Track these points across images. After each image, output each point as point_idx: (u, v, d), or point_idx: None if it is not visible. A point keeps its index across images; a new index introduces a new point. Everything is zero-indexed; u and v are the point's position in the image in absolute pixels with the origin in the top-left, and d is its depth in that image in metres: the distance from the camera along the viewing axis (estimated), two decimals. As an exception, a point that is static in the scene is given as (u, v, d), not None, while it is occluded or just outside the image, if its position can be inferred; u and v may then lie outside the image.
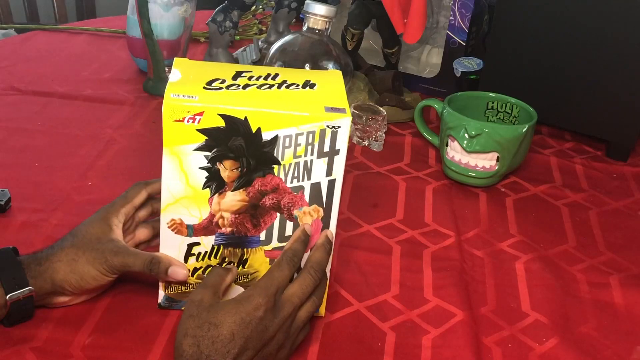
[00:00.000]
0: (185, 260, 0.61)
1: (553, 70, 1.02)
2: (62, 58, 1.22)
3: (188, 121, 0.54)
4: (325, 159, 0.57)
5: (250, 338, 0.53)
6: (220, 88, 0.57)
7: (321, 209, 0.59)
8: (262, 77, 0.60)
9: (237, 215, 0.59)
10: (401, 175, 0.92)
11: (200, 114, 0.54)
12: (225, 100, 0.55)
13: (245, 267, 0.61)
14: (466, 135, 0.87)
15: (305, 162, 0.57)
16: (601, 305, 0.71)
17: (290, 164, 0.57)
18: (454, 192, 0.89)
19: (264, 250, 0.61)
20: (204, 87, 0.57)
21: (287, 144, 0.56)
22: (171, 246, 0.60)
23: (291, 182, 0.58)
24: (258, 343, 0.53)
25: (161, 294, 0.63)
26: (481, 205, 0.87)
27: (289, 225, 0.60)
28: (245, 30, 1.44)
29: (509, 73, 1.05)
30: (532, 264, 0.76)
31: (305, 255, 0.59)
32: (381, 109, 0.99)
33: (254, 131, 0.55)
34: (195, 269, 0.61)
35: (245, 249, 0.61)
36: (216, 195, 0.58)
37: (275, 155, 0.57)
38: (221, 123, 0.55)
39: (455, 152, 0.89)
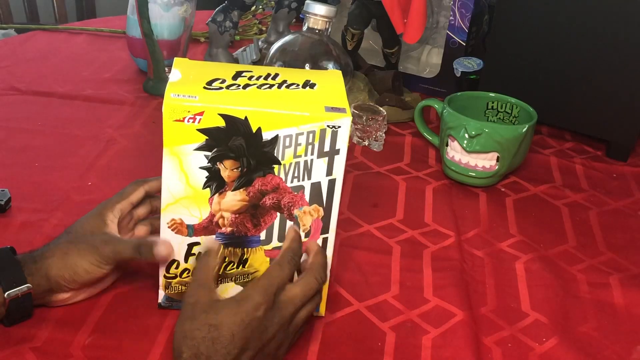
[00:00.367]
0: (186, 260, 0.61)
1: (553, 70, 1.02)
2: (62, 58, 1.22)
3: (188, 121, 0.54)
4: (326, 159, 0.57)
5: (250, 338, 0.52)
6: (221, 88, 0.57)
7: (321, 209, 0.59)
8: (263, 77, 0.60)
9: (237, 215, 0.59)
10: (401, 175, 0.92)
11: (201, 113, 0.54)
12: (226, 100, 0.55)
13: (246, 266, 0.61)
14: (466, 135, 0.87)
15: (306, 161, 0.57)
16: (601, 305, 0.71)
17: (291, 164, 0.57)
18: (454, 192, 0.89)
19: (264, 250, 0.61)
20: (204, 87, 0.57)
21: (287, 143, 0.56)
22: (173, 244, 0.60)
23: (291, 181, 0.58)
24: (258, 343, 0.53)
25: (161, 293, 0.63)
26: (481, 205, 0.87)
27: (289, 224, 0.60)
28: (245, 30, 1.44)
29: (509, 73, 1.05)
30: (532, 264, 0.76)
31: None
32: (381, 109, 0.99)
33: (254, 131, 0.55)
34: None
35: (245, 249, 0.61)
36: (216, 195, 0.58)
37: (275, 155, 0.57)
38: (221, 123, 0.55)
39: (455, 152, 0.89)
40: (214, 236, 0.60)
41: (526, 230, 0.82)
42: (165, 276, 0.62)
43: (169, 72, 1.09)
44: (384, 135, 0.99)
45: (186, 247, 0.60)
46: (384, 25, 1.11)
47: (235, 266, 0.61)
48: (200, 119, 0.55)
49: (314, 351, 0.61)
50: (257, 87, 0.58)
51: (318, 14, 0.92)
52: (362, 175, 0.91)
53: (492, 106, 0.98)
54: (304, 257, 0.60)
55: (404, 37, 1.06)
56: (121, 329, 0.61)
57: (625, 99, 0.98)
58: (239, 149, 0.56)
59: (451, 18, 1.12)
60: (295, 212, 0.59)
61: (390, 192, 0.88)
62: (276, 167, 0.57)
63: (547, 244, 0.80)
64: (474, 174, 0.89)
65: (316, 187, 0.58)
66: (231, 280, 0.62)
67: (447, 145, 0.91)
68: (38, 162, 0.87)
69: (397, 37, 1.12)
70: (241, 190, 0.58)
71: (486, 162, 0.88)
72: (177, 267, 0.61)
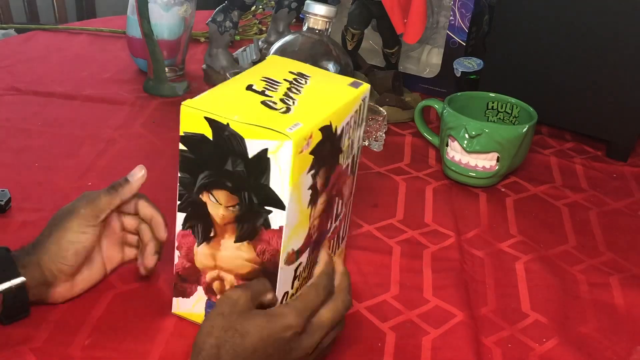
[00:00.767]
0: (292, 285, 0.58)
1: (553, 70, 1.02)
2: (62, 58, 1.22)
3: (304, 149, 0.52)
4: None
5: (271, 356, 0.51)
6: (275, 102, 0.54)
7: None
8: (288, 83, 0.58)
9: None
10: (401, 175, 0.92)
11: (310, 136, 0.52)
12: (314, 113, 0.53)
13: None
14: (466, 135, 0.87)
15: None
16: (601, 305, 0.71)
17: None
18: (454, 192, 0.89)
19: None
20: (274, 109, 0.53)
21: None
22: (288, 280, 0.57)
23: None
24: None
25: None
26: (481, 205, 0.87)
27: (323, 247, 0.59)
28: (245, 30, 1.44)
29: (509, 73, 1.05)
30: (532, 264, 0.76)
31: None
32: (381, 109, 0.99)
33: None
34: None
35: None
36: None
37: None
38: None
39: (455, 152, 0.89)
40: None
41: (526, 230, 0.82)
42: None
43: (169, 72, 1.10)
44: (384, 135, 0.99)
45: (293, 272, 0.57)
46: (384, 25, 1.11)
47: (275, 296, 0.57)
48: (310, 142, 0.52)
49: None
50: (299, 94, 0.57)
51: (318, 14, 0.92)
52: (362, 175, 0.91)
53: (492, 106, 0.98)
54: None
55: (404, 37, 1.06)
56: (121, 329, 0.61)
57: (625, 99, 0.98)
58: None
59: (451, 18, 1.12)
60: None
61: (390, 192, 0.88)
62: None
63: (547, 244, 0.80)
64: (474, 174, 0.89)
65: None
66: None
67: (447, 145, 0.91)
68: (38, 162, 0.87)
69: (397, 37, 1.12)
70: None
71: (486, 162, 0.88)
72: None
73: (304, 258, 0.58)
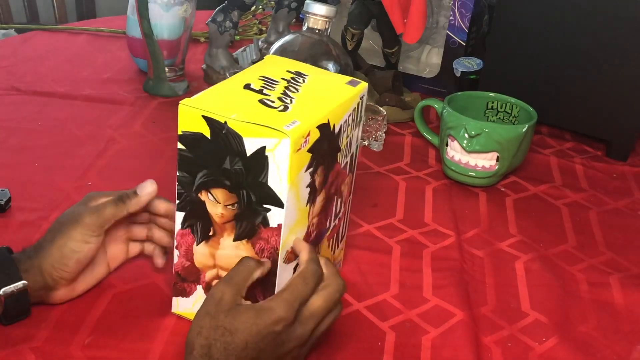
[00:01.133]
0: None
1: (553, 70, 1.02)
2: (62, 58, 1.22)
3: (302, 146, 0.52)
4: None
5: (263, 350, 0.51)
6: (273, 101, 0.54)
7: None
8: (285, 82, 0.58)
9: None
10: (401, 175, 0.92)
11: (308, 134, 0.52)
12: (312, 111, 0.53)
13: None
14: (466, 135, 0.87)
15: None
16: (601, 305, 0.71)
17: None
18: (454, 192, 0.89)
19: None
20: (272, 107, 0.53)
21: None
22: (287, 278, 0.56)
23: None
24: (271, 356, 0.52)
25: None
26: (481, 205, 0.87)
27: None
28: (245, 30, 1.44)
29: (509, 73, 1.05)
30: (532, 264, 0.76)
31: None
32: (381, 109, 0.99)
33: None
34: None
35: None
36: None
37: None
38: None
39: (455, 152, 0.89)
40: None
41: (526, 230, 0.82)
42: None
43: (169, 72, 1.10)
44: (384, 135, 0.99)
45: (292, 271, 0.57)
46: (384, 25, 1.11)
47: (268, 261, 0.56)
48: (308, 139, 0.52)
49: (312, 352, 0.61)
50: (296, 91, 0.57)
51: (318, 14, 0.92)
52: (362, 175, 0.91)
53: (492, 106, 0.98)
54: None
55: (404, 37, 1.06)
56: (121, 329, 0.61)
57: (625, 99, 0.98)
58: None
59: (451, 18, 1.12)
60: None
61: (390, 192, 0.88)
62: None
63: (547, 243, 0.80)
64: (473, 174, 0.89)
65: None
66: None
67: (447, 145, 0.91)
68: (38, 162, 0.87)
69: (397, 37, 1.12)
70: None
71: (486, 162, 0.88)
72: None
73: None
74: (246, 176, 0.52)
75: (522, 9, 1.01)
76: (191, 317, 0.60)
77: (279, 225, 0.53)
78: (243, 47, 1.26)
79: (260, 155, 0.51)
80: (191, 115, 0.52)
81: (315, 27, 0.93)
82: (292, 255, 0.56)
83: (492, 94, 0.98)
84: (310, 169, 0.54)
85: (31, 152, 0.89)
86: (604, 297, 0.72)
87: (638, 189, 0.95)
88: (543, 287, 0.72)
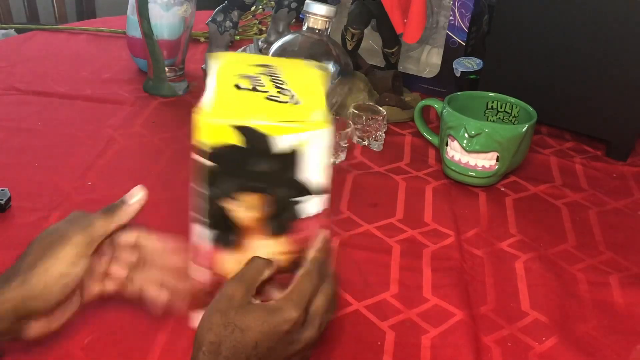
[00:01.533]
0: None
1: (553, 70, 1.02)
2: (62, 58, 1.22)
3: None
4: None
5: (273, 349, 0.51)
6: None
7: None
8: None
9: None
10: (401, 174, 0.92)
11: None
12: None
13: None
14: (466, 135, 0.87)
15: None
16: (601, 304, 0.71)
17: None
18: (453, 192, 0.89)
19: None
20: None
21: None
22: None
23: None
24: (280, 355, 0.52)
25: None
26: (481, 204, 0.87)
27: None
28: (245, 30, 1.44)
29: (509, 73, 1.05)
30: (531, 264, 0.76)
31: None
32: (381, 108, 0.99)
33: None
34: None
35: None
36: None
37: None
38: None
39: (455, 152, 0.89)
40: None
41: (526, 229, 0.82)
42: None
43: (169, 72, 1.10)
44: (383, 135, 0.99)
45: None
46: (384, 25, 1.11)
47: (276, 260, 0.56)
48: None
49: (314, 350, 0.61)
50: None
51: (318, 14, 0.93)
52: (362, 175, 0.91)
53: (492, 106, 0.98)
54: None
55: (404, 37, 1.06)
56: (121, 329, 0.61)
57: (625, 99, 0.98)
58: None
59: (451, 18, 1.12)
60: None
61: (390, 191, 0.88)
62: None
63: (546, 243, 0.80)
64: (473, 174, 0.89)
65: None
66: None
67: (447, 145, 0.91)
68: (38, 162, 0.87)
69: (397, 37, 1.12)
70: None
71: (486, 161, 0.88)
72: None
73: None
74: (279, 174, 0.52)
75: (522, 9, 1.01)
76: None
77: (316, 214, 0.54)
78: (243, 47, 1.26)
79: (293, 151, 0.51)
80: (219, 129, 0.50)
81: (315, 27, 0.93)
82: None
83: (492, 94, 0.98)
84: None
85: (31, 152, 0.89)
86: (603, 296, 0.72)
87: (638, 189, 0.95)
88: (543, 287, 0.72)
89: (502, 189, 0.91)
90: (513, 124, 0.96)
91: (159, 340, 0.60)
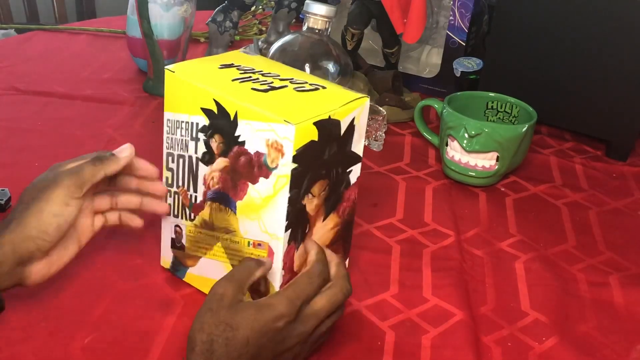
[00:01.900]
0: None
1: (553, 70, 1.02)
2: (62, 58, 1.22)
3: None
4: None
5: (264, 346, 0.51)
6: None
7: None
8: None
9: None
10: (401, 174, 0.92)
11: None
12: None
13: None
14: (466, 135, 0.87)
15: None
16: (601, 304, 0.71)
17: None
18: (453, 192, 0.89)
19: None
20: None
21: None
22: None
23: None
24: (272, 353, 0.52)
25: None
26: (481, 204, 0.87)
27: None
28: (245, 30, 1.44)
29: (509, 73, 1.05)
30: (531, 264, 0.76)
31: None
32: (381, 109, 0.99)
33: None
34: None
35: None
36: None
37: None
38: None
39: (455, 152, 0.89)
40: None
41: (526, 229, 0.82)
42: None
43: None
44: (383, 135, 0.99)
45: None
46: (384, 25, 1.11)
47: (269, 260, 0.57)
48: None
49: (314, 350, 0.61)
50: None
51: (318, 14, 0.92)
52: (362, 175, 0.91)
53: (492, 106, 0.98)
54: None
55: (404, 37, 1.06)
56: (121, 328, 0.61)
57: (625, 99, 0.98)
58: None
59: (451, 18, 1.12)
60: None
61: (390, 191, 0.88)
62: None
63: (546, 243, 0.80)
64: (473, 174, 0.89)
65: None
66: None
67: (447, 145, 0.91)
68: (38, 162, 0.87)
69: (397, 37, 1.12)
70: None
71: (486, 161, 0.88)
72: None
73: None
74: (338, 153, 0.56)
75: (522, 9, 1.01)
76: None
77: (357, 179, 0.59)
78: (243, 47, 1.26)
79: (351, 127, 0.56)
80: (304, 129, 0.51)
81: (315, 27, 0.93)
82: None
83: (492, 94, 0.98)
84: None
85: (31, 152, 0.89)
86: (603, 296, 0.72)
87: (638, 189, 0.95)
88: (543, 287, 0.72)
89: (502, 189, 0.91)
90: (513, 124, 0.96)
91: (158, 340, 0.60)
